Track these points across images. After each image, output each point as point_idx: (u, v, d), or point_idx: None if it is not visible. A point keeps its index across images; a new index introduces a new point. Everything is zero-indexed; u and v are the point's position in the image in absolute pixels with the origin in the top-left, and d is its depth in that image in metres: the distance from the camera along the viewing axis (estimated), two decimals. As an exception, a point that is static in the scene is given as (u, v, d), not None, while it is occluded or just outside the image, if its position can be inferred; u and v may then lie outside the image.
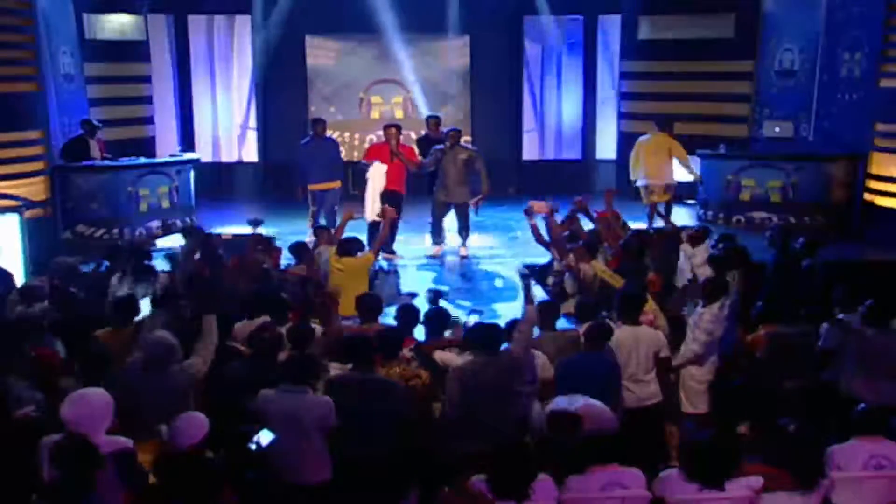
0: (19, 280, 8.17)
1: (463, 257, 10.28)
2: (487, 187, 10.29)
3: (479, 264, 10.15)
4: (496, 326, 5.52)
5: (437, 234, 10.52)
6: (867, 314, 6.05)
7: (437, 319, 6.26)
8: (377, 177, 10.07)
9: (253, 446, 4.45)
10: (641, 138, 11.24)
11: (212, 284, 7.29)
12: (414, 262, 10.27)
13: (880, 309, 6.04)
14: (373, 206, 9.87)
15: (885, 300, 6.19)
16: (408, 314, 6.29)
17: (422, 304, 6.94)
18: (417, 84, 14.23)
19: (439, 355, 5.71)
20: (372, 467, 4.40)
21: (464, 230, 10.41)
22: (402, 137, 10.59)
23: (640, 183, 11.07)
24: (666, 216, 10.17)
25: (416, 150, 10.70)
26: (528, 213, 8.28)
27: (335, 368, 5.51)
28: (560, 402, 5.05)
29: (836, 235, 10.53)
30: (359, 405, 4.91)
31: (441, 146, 10.22)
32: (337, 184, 10.68)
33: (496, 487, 4.07)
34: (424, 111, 13.24)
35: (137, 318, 6.40)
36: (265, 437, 4.43)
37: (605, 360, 5.64)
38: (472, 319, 6.64)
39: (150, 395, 4.89)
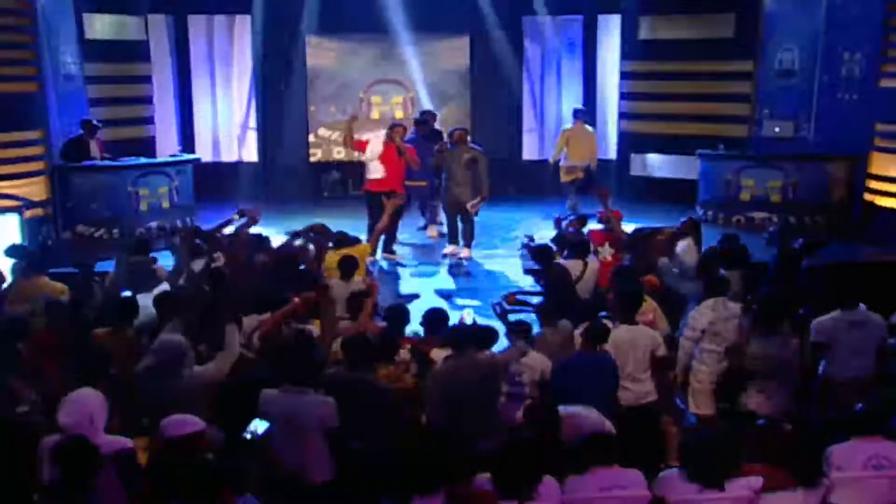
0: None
1: (465, 259, 10.16)
2: (487, 190, 10.16)
3: (479, 265, 10.14)
4: (475, 328, 5.54)
5: (453, 235, 10.33)
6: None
7: (434, 318, 6.21)
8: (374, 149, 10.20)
9: (248, 436, 4.45)
10: (567, 126, 12.62)
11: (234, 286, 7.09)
12: (414, 262, 10.27)
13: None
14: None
15: (886, 300, 6.18)
16: (397, 315, 6.29)
17: (421, 306, 6.92)
18: (417, 84, 14.23)
19: (436, 355, 5.69)
20: (371, 468, 4.40)
21: (468, 233, 10.28)
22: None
23: (564, 163, 12.43)
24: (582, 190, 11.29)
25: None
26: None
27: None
28: None
29: (836, 235, 10.51)
30: (354, 405, 4.88)
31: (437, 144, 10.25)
32: (423, 182, 10.84)
33: (500, 487, 4.06)
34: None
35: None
36: (260, 426, 4.43)
37: (603, 360, 5.64)
38: (468, 313, 6.64)
39: (161, 400, 4.80)
